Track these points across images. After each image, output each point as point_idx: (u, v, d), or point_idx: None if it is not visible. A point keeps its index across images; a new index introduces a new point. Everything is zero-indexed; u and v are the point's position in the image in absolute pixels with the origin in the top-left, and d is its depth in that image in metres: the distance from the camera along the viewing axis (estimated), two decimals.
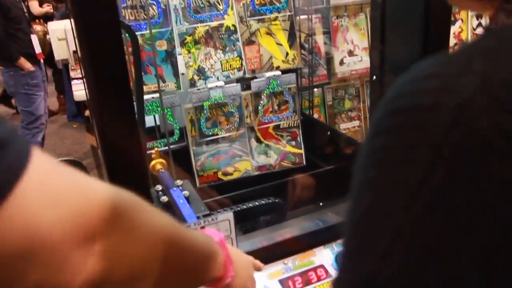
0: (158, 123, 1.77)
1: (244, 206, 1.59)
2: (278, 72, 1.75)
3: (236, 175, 1.80)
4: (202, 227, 1.14)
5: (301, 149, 1.86)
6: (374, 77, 1.53)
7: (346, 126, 2.31)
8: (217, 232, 0.87)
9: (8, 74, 4.01)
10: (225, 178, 1.78)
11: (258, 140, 1.82)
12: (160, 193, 1.42)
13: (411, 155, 0.38)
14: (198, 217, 1.17)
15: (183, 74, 1.69)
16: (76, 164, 2.05)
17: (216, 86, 1.67)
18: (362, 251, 0.41)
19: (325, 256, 1.29)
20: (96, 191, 0.49)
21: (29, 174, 0.40)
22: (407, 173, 0.38)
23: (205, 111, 1.69)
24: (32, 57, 4.05)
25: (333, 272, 1.24)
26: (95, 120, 1.01)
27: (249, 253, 1.24)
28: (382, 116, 0.42)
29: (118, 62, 0.95)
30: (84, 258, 0.46)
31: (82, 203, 0.46)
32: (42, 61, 4.33)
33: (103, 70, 0.92)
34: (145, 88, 1.61)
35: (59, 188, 0.44)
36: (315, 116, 2.20)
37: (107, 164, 1.01)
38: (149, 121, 1.71)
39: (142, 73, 1.58)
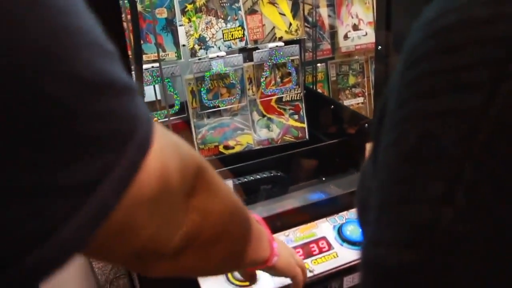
0: (158, 95, 1.72)
1: (245, 179, 1.54)
2: (281, 43, 1.70)
3: (237, 149, 1.75)
4: None
5: (304, 123, 1.81)
6: (380, 47, 1.48)
7: (350, 103, 2.26)
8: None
9: None
10: (227, 152, 1.73)
11: (260, 113, 1.77)
12: None
13: (469, 77, 0.31)
14: None
15: (184, 45, 1.63)
16: None
17: (218, 56, 1.62)
18: (411, 198, 0.33)
19: (327, 228, 1.25)
20: (190, 148, 0.50)
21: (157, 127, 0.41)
22: (465, 99, 0.31)
23: (206, 82, 1.64)
24: None
25: (335, 244, 1.19)
26: None
27: None
28: (420, 41, 0.35)
29: (115, 29, 0.90)
30: (186, 211, 0.48)
31: (188, 157, 0.48)
32: None
33: None
34: (144, 57, 1.55)
35: (174, 139, 0.46)
36: (319, 91, 2.14)
37: None
38: (149, 92, 1.66)
39: (142, 42, 1.53)
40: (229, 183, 1.11)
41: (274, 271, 0.83)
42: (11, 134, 0.30)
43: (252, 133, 1.76)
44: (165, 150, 0.41)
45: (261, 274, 1.08)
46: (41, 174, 0.31)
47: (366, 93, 2.29)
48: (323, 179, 1.62)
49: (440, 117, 0.32)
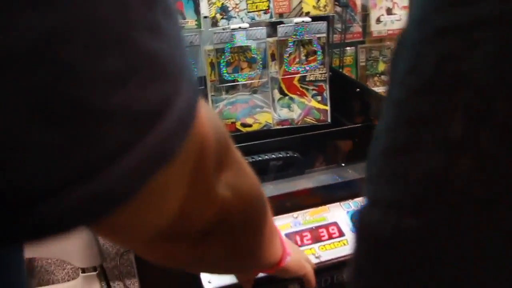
0: None
1: (260, 158, 1.46)
2: (308, 19, 1.59)
3: (255, 127, 1.67)
4: None
5: (327, 105, 1.71)
6: None
7: (378, 91, 2.14)
8: None
9: None
10: (244, 130, 1.65)
11: (282, 92, 1.67)
12: None
13: None
14: None
15: (206, 17, 1.55)
16: None
17: (240, 27, 1.53)
18: (421, 142, 0.26)
19: (340, 214, 1.15)
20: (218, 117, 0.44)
21: None
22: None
23: (226, 55, 1.56)
24: None
25: (347, 231, 1.10)
26: None
27: None
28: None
29: None
30: (217, 186, 0.42)
31: (221, 126, 0.43)
32: None
33: None
34: None
35: (209, 109, 0.41)
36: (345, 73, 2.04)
37: None
38: None
39: None
40: None
41: (286, 272, 0.75)
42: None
43: (272, 112, 1.67)
44: (207, 111, 0.36)
45: None
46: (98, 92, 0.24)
47: None
48: (343, 164, 1.53)
49: (466, 32, 0.23)
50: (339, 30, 1.91)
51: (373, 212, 0.29)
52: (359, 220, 0.32)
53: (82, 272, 1.64)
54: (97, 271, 1.63)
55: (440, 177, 0.24)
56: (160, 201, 0.33)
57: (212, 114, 0.43)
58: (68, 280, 1.69)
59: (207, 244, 0.46)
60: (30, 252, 1.72)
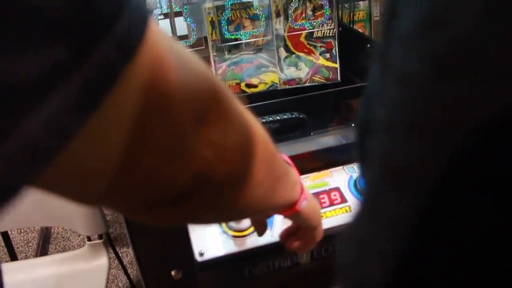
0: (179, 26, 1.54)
1: (264, 120, 1.37)
2: None
3: (261, 88, 1.57)
4: None
5: (336, 63, 1.60)
6: None
7: None
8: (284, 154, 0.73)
9: None
10: (249, 91, 1.56)
11: (288, 50, 1.57)
12: None
13: None
14: None
15: None
16: None
17: None
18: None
19: (343, 178, 1.06)
20: (206, 69, 0.38)
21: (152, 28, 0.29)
22: None
23: (227, 12, 1.45)
24: None
25: (350, 197, 1.01)
26: None
27: None
28: None
29: None
30: (195, 144, 0.37)
31: (201, 75, 0.37)
32: None
33: None
34: None
35: (184, 52, 0.36)
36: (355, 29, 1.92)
37: None
38: (166, 25, 1.48)
39: None
40: None
41: (300, 218, 0.72)
42: None
43: (278, 71, 1.57)
44: (166, 48, 0.31)
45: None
46: None
47: None
48: (352, 125, 1.43)
49: None
50: None
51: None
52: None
53: (88, 241, 1.59)
54: (102, 239, 1.59)
55: None
56: (101, 141, 0.28)
57: (186, 58, 0.36)
58: (83, 246, 1.65)
59: (194, 203, 0.41)
60: (42, 221, 1.69)
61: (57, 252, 2.42)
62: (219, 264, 0.90)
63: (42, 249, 2.47)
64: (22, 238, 2.54)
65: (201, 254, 0.90)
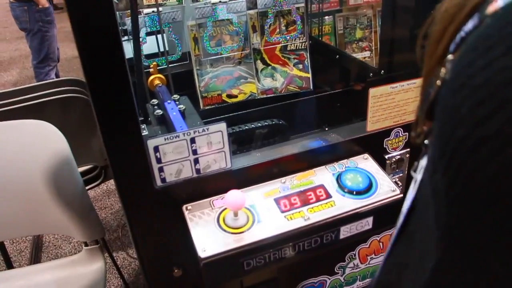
0: (160, 43, 1.56)
1: (246, 127, 1.40)
2: None
3: (241, 98, 1.60)
4: (192, 139, 0.96)
5: (308, 73, 1.65)
6: None
7: (356, 56, 2.08)
8: None
9: (21, 9, 3.58)
10: (230, 100, 1.59)
11: (264, 62, 1.61)
12: (156, 107, 1.24)
13: None
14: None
15: None
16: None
17: (220, 1, 1.45)
18: None
19: (326, 176, 1.10)
20: None
21: None
22: None
23: (208, 29, 1.48)
24: None
25: (333, 193, 1.05)
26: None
27: (245, 169, 1.06)
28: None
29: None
30: None
31: None
32: None
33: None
34: (145, 1, 1.40)
35: None
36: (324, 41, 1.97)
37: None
38: (152, 41, 1.50)
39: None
40: (221, 123, 0.97)
41: None
42: None
43: (256, 82, 1.61)
44: None
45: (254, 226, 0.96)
46: None
47: (373, 47, 2.10)
48: (326, 129, 1.47)
49: None
50: (316, 1, 1.84)
51: None
52: None
53: (85, 246, 1.59)
54: (99, 244, 1.58)
55: None
56: None
57: None
58: (75, 253, 1.64)
59: None
60: (36, 229, 1.67)
61: (49, 261, 2.38)
62: (219, 259, 0.93)
63: (35, 258, 2.43)
64: (14, 248, 2.50)
65: (204, 251, 0.92)
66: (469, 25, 0.32)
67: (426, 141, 0.40)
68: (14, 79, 5.10)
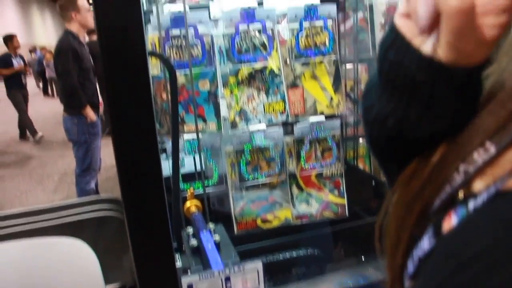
0: (198, 166, 1.57)
1: (280, 257, 1.35)
2: (322, 117, 1.54)
3: (275, 223, 1.57)
4: (227, 278, 0.91)
5: (344, 199, 1.62)
6: None
7: None
8: None
9: (71, 122, 3.75)
10: (264, 226, 1.55)
11: (300, 188, 1.59)
12: (191, 236, 1.22)
13: None
14: (225, 264, 0.95)
15: (225, 120, 1.49)
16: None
17: (258, 129, 1.47)
18: None
19: None
20: None
21: None
22: None
23: (246, 155, 1.49)
24: (95, 106, 3.87)
25: None
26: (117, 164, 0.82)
27: None
28: None
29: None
30: None
31: None
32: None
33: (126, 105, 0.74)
34: (187, 128, 1.42)
35: None
36: (360, 167, 1.95)
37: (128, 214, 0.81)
38: (189, 163, 1.51)
39: (184, 112, 1.40)
40: (257, 262, 0.93)
41: None
42: None
43: (291, 208, 1.58)
44: None
45: None
46: None
47: None
48: (363, 259, 1.41)
49: None
50: (352, 125, 1.85)
51: None
52: None
53: None
54: None
55: None
56: None
57: None
58: None
59: None
60: None
61: None
62: None
63: None
64: None
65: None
66: (425, 245, 0.33)
67: None
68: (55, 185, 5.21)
